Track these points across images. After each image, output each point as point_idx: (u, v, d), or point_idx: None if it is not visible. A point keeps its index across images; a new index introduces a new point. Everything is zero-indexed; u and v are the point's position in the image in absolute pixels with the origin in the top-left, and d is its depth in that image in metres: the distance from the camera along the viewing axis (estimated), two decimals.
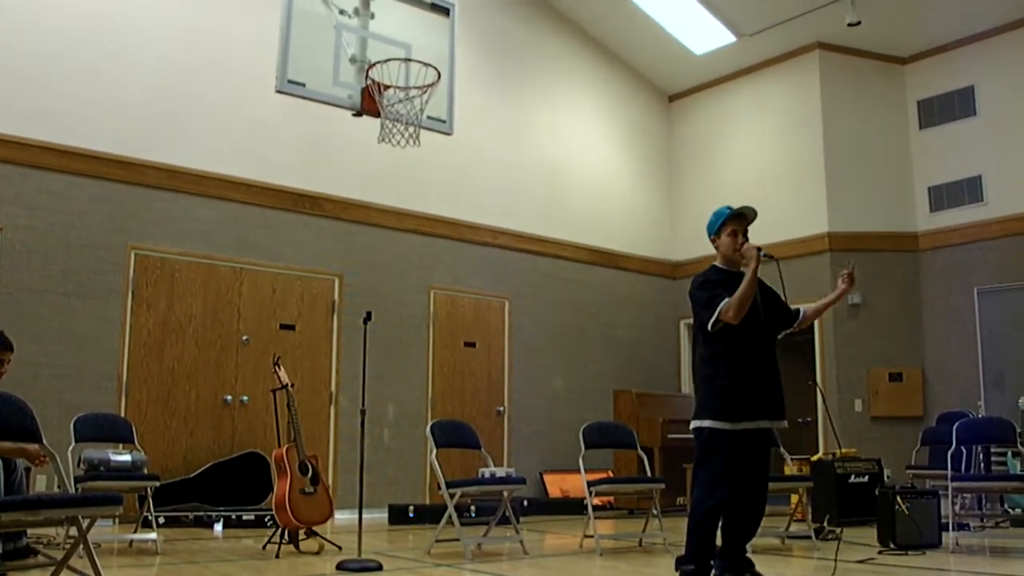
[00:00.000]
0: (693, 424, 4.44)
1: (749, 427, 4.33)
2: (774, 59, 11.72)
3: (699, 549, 4.28)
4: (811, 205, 11.08)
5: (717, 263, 4.65)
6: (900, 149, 11.10)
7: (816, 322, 10.91)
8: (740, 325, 4.32)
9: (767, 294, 4.56)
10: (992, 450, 8.66)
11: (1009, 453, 8.50)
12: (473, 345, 10.32)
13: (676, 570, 4.36)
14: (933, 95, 10.93)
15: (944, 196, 10.69)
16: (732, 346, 4.36)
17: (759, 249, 4.36)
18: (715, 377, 4.38)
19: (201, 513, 7.78)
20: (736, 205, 4.70)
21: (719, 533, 4.39)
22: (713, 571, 4.34)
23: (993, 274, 10.17)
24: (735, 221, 4.55)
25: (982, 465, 8.53)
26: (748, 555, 4.49)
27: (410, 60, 6.93)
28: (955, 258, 10.51)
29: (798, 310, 4.70)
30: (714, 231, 4.64)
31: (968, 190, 10.48)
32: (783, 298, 4.67)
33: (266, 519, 7.71)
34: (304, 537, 6.25)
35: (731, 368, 4.34)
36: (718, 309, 4.33)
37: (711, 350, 4.44)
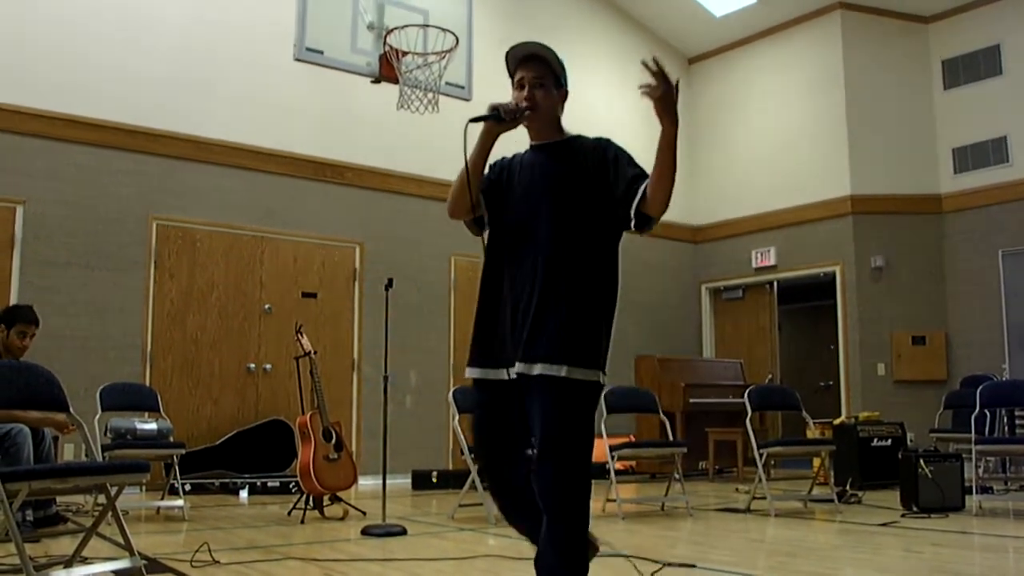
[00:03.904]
0: None
1: (506, 375, 2.76)
2: (795, 20, 11.57)
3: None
4: (833, 167, 10.98)
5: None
6: (924, 110, 10.96)
7: (838, 286, 10.85)
8: (498, 232, 2.92)
9: (587, 169, 2.83)
10: (1016, 413, 8.63)
11: None
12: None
13: None
14: (957, 54, 10.76)
15: (968, 157, 10.56)
16: (490, 264, 2.89)
17: (493, 107, 2.86)
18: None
19: (227, 480, 7.87)
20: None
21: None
22: None
23: (1018, 236, 10.05)
24: (522, 67, 2.95)
25: (1006, 428, 8.50)
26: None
27: (428, 26, 6.90)
28: (979, 220, 10.40)
29: (639, 193, 2.73)
30: None
31: (993, 151, 10.34)
32: (622, 176, 2.78)
33: (291, 485, 7.79)
34: (329, 503, 6.32)
35: (485, 294, 2.88)
36: None
37: None
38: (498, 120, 2.79)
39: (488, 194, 2.92)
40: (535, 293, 2.73)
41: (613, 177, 2.78)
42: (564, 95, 2.98)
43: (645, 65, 2.61)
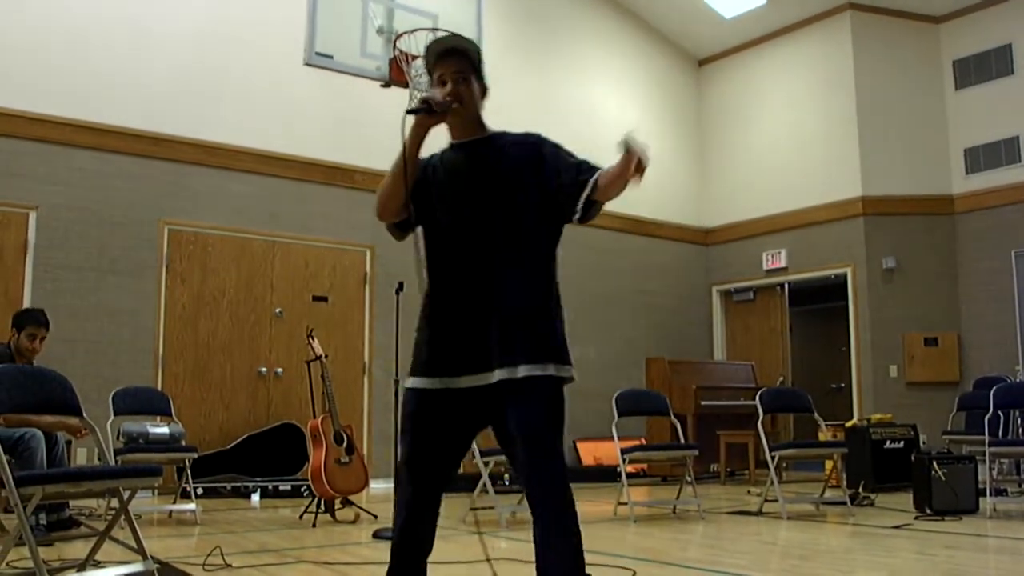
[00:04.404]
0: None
1: (463, 385, 2.67)
2: (805, 21, 11.55)
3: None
4: (844, 169, 10.95)
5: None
6: (935, 110, 10.92)
7: (850, 287, 10.81)
8: (436, 236, 2.78)
9: (525, 163, 2.75)
10: None
11: None
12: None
13: None
14: (969, 54, 10.72)
15: (980, 157, 10.52)
16: (434, 264, 2.78)
17: (423, 102, 2.68)
18: (422, 305, 2.84)
19: (238, 484, 7.89)
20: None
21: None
22: None
23: None
24: (442, 62, 2.76)
25: (1020, 430, 8.45)
26: None
27: (437, 29, 6.90)
28: (992, 221, 10.35)
29: (590, 184, 2.62)
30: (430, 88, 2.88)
31: (1005, 151, 10.30)
32: (564, 168, 2.70)
33: (302, 489, 7.80)
34: (340, 506, 6.33)
35: (431, 297, 2.80)
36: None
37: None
38: (429, 113, 2.65)
39: (415, 195, 2.74)
40: (493, 297, 2.66)
41: (552, 170, 2.71)
42: (484, 90, 2.85)
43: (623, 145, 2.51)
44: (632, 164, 2.50)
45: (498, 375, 2.61)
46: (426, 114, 2.65)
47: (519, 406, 2.61)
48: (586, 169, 2.67)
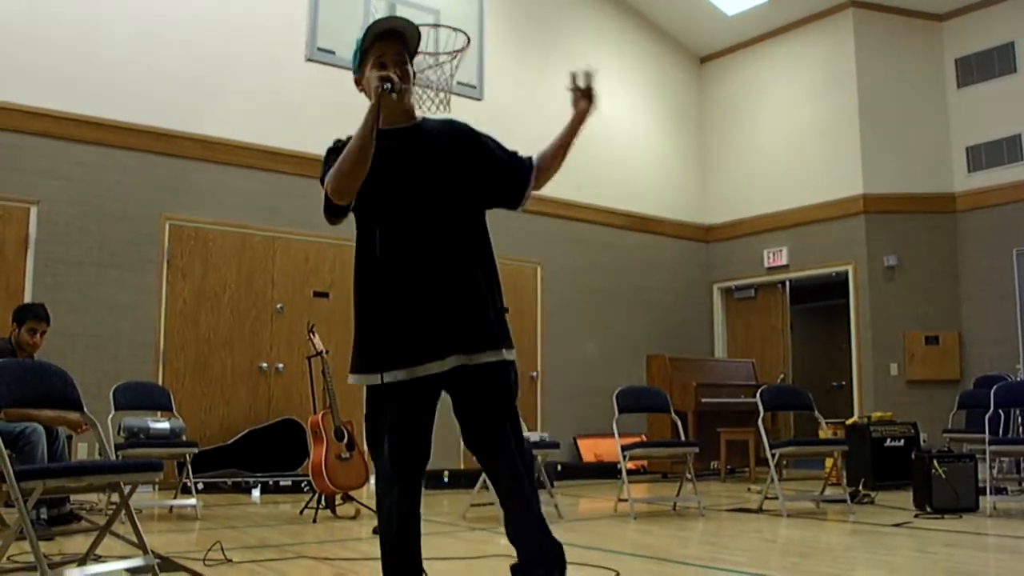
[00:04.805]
0: (350, 378, 2.77)
1: (428, 372, 2.65)
2: (807, 18, 11.53)
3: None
4: (846, 167, 10.94)
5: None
6: (937, 108, 10.90)
7: (851, 285, 10.80)
8: (386, 210, 2.70)
9: (463, 149, 2.81)
10: None
11: None
12: (506, 311, 10.30)
13: None
14: (971, 52, 10.70)
15: (983, 156, 10.50)
16: (383, 247, 2.68)
17: (384, 80, 2.58)
18: (361, 298, 2.72)
19: (239, 479, 7.89)
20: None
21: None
22: None
23: None
24: (381, 43, 2.71)
25: (1021, 429, 8.45)
26: None
27: (439, 26, 6.92)
28: (993, 219, 10.34)
29: (528, 166, 2.88)
30: (357, 68, 2.82)
31: (1008, 149, 10.28)
32: (502, 152, 2.89)
33: (303, 485, 7.80)
34: (341, 502, 6.33)
35: (381, 281, 2.67)
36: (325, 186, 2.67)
37: (356, 255, 2.75)
38: (390, 93, 2.58)
39: None
40: (446, 283, 2.66)
41: (495, 155, 2.83)
42: (414, 76, 2.84)
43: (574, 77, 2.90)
44: (586, 114, 2.88)
45: (452, 361, 2.65)
46: (388, 95, 2.59)
47: (483, 392, 2.71)
48: (526, 163, 2.86)
